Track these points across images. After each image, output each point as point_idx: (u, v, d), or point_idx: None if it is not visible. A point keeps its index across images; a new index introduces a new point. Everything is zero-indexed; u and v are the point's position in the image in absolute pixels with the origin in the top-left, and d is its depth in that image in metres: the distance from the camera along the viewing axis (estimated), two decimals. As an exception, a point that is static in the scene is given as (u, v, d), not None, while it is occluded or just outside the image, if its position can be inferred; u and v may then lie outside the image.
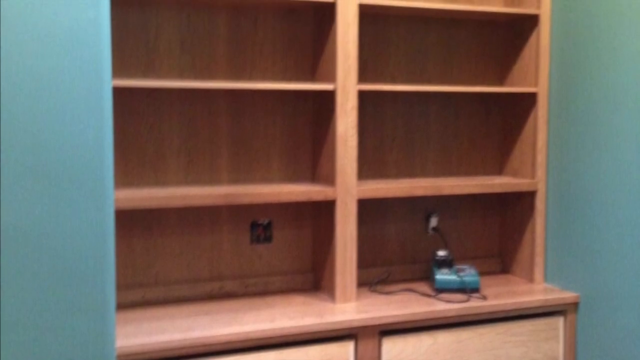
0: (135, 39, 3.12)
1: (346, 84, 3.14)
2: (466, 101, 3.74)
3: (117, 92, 3.05)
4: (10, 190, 1.91)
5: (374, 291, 3.42)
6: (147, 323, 2.93)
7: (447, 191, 3.39)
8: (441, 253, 3.52)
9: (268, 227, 3.39)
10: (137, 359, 2.70)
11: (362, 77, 3.47)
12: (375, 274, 3.58)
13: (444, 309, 3.19)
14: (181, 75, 3.20)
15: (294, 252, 3.46)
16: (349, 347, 3.03)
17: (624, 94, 3.15)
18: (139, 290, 3.18)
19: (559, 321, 3.42)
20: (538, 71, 3.51)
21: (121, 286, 3.14)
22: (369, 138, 3.55)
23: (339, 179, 3.16)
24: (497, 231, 3.88)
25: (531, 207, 3.60)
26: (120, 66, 3.09)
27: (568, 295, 3.41)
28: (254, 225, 3.37)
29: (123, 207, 2.82)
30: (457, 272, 3.45)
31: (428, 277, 3.67)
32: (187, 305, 3.18)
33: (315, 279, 3.45)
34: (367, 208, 3.56)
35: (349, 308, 3.15)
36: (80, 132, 1.97)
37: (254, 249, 3.38)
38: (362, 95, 3.45)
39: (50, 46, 1.93)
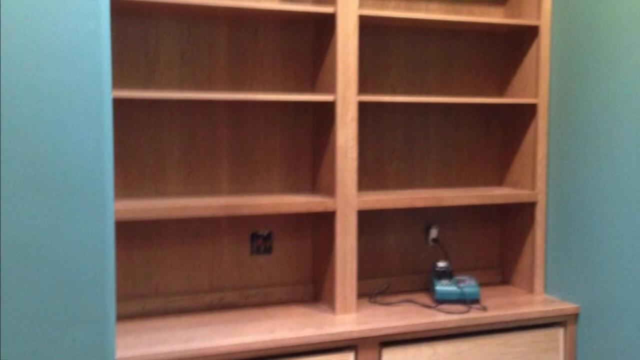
0: (135, 50, 3.13)
1: (346, 95, 3.14)
2: (466, 112, 3.75)
3: (117, 103, 3.06)
4: (11, 201, 1.91)
5: (374, 302, 3.42)
6: (147, 334, 2.92)
7: (447, 202, 3.40)
8: (441, 264, 3.52)
9: (268, 238, 3.39)
10: (137, 370, 2.71)
11: (362, 88, 3.47)
12: (375, 285, 3.58)
13: (444, 320, 3.18)
14: (181, 87, 3.21)
15: (294, 263, 3.46)
16: (349, 358, 3.03)
17: (624, 105, 3.15)
18: (139, 301, 3.18)
19: (559, 332, 3.42)
20: (538, 82, 3.52)
21: (121, 297, 3.14)
22: (369, 149, 3.55)
23: (339, 190, 3.16)
24: (497, 242, 3.88)
25: (531, 219, 3.60)
26: (120, 77, 3.10)
27: (568, 307, 3.41)
28: (254, 236, 3.37)
29: (123, 218, 2.82)
30: (457, 283, 3.45)
31: (428, 288, 3.66)
32: (187, 316, 3.18)
33: (315, 290, 3.45)
34: (367, 219, 3.56)
35: (349, 319, 3.14)
36: (80, 143, 1.98)
37: (254, 260, 3.38)
38: (362, 107, 3.46)
39: (51, 57, 1.94)
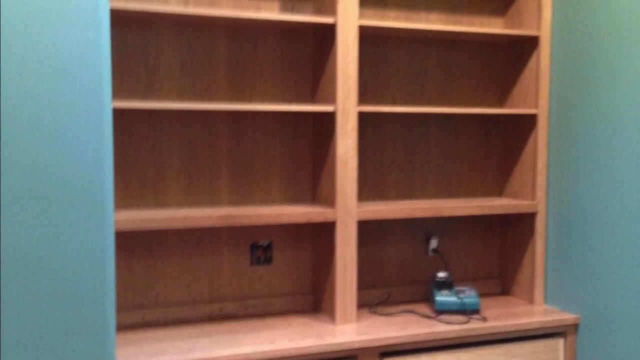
0: (135, 60, 3.13)
1: (346, 105, 3.14)
2: (466, 122, 3.75)
3: (117, 113, 3.06)
4: (10, 211, 1.91)
5: (374, 312, 3.42)
6: (148, 344, 2.92)
7: (447, 213, 3.39)
8: (441, 274, 3.51)
9: (268, 248, 3.39)
10: (137, 380, 2.70)
11: (362, 98, 3.48)
12: (375, 295, 3.57)
13: (444, 330, 3.18)
14: (181, 97, 3.21)
15: (294, 274, 3.45)
16: (349, 369, 3.03)
17: (624, 115, 3.16)
18: (139, 312, 3.17)
19: (559, 343, 3.41)
20: (538, 93, 3.52)
21: (121, 307, 3.13)
22: (369, 159, 3.55)
23: (339, 200, 3.16)
24: (497, 252, 3.88)
25: (531, 229, 3.60)
26: (120, 87, 3.10)
27: (568, 317, 3.40)
28: (254, 247, 3.36)
29: (123, 229, 2.82)
30: (457, 293, 3.44)
31: (428, 299, 3.66)
32: (187, 326, 3.17)
33: (315, 301, 3.45)
34: (367, 229, 3.56)
35: (349, 329, 3.14)
36: (80, 154, 1.98)
37: (254, 270, 3.38)
38: (362, 117, 3.46)
39: (51, 67, 1.94)
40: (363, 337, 3.04)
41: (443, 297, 3.42)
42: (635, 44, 3.10)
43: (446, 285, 3.48)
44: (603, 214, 3.27)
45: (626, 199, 3.15)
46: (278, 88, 3.37)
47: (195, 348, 2.87)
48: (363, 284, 3.56)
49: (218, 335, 3.05)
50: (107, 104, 2.03)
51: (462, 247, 3.80)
